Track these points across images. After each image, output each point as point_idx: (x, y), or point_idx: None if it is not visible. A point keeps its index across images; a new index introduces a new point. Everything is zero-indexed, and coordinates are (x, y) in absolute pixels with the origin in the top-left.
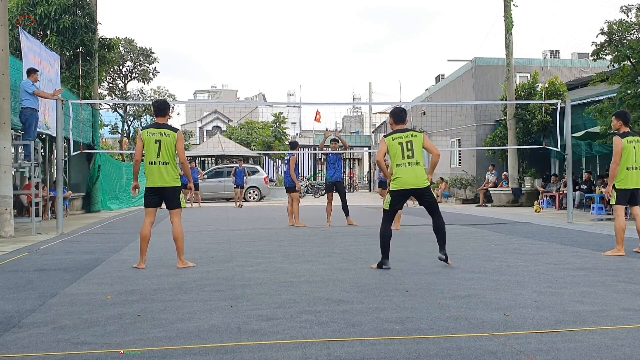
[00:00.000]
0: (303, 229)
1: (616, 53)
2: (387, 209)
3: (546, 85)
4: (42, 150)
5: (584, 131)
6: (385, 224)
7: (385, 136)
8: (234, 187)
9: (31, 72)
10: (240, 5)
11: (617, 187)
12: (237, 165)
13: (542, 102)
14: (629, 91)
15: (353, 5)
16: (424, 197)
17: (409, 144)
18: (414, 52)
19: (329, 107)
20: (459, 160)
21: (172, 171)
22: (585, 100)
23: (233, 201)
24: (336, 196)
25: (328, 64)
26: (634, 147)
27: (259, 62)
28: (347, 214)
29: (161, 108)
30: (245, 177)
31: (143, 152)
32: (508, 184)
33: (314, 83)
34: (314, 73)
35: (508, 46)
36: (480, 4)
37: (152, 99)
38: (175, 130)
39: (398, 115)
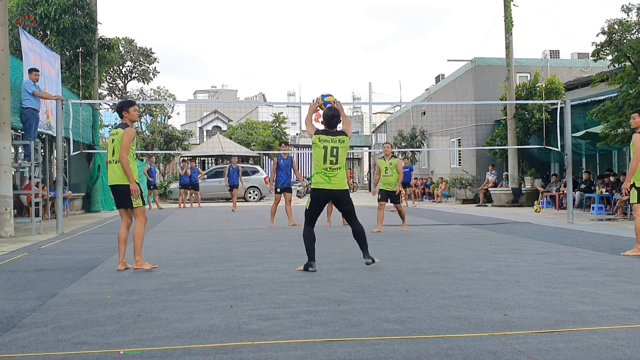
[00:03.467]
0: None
1: (616, 53)
2: (307, 208)
3: (544, 84)
4: (42, 150)
5: (584, 131)
6: (307, 227)
7: (316, 133)
8: (228, 190)
9: (31, 71)
10: (241, 6)
11: (637, 185)
12: (231, 164)
13: (542, 102)
14: (630, 91)
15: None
16: (341, 203)
17: (334, 150)
18: (414, 52)
19: None
20: (459, 160)
21: (120, 169)
22: (586, 100)
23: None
24: None
25: (328, 64)
26: None
27: (259, 62)
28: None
29: (117, 107)
30: (239, 177)
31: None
32: (508, 183)
33: (314, 83)
34: (314, 73)
35: (508, 46)
36: (480, 4)
37: (152, 99)
38: (124, 126)
39: (328, 121)
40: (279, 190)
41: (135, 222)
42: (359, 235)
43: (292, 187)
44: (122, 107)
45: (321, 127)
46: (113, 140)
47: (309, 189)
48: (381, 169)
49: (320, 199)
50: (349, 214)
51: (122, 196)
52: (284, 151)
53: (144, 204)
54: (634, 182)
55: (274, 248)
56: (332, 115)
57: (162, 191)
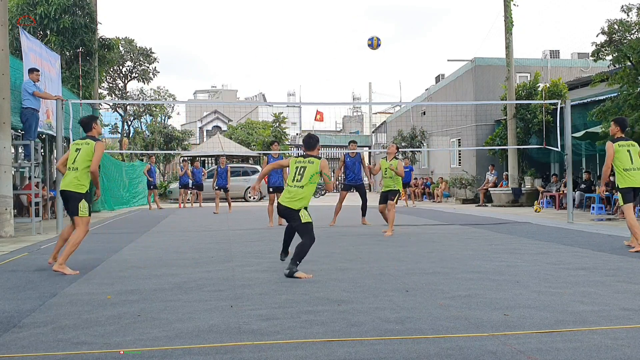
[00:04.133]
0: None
1: (616, 53)
2: None
3: (548, 85)
4: (42, 150)
5: (584, 131)
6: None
7: (294, 157)
8: (215, 189)
9: (31, 71)
10: (241, 6)
11: (620, 187)
12: (219, 164)
13: (542, 102)
14: (632, 91)
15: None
16: (292, 220)
17: (301, 170)
18: (414, 52)
19: (329, 107)
20: (459, 160)
21: (78, 178)
22: (586, 100)
23: (233, 200)
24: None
25: (328, 64)
26: (628, 151)
27: (259, 62)
28: (364, 214)
29: (85, 122)
30: (228, 177)
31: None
32: (508, 184)
33: (314, 83)
34: (314, 73)
35: (508, 46)
36: (480, 4)
37: (152, 99)
38: (94, 139)
39: (306, 142)
40: (271, 189)
41: (76, 230)
42: (299, 247)
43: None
44: (91, 121)
45: (322, 127)
46: (78, 149)
47: None
48: (382, 169)
49: (280, 210)
50: (298, 231)
51: (71, 202)
52: (275, 151)
53: (89, 215)
54: (617, 185)
55: (274, 248)
56: (308, 137)
57: (162, 191)
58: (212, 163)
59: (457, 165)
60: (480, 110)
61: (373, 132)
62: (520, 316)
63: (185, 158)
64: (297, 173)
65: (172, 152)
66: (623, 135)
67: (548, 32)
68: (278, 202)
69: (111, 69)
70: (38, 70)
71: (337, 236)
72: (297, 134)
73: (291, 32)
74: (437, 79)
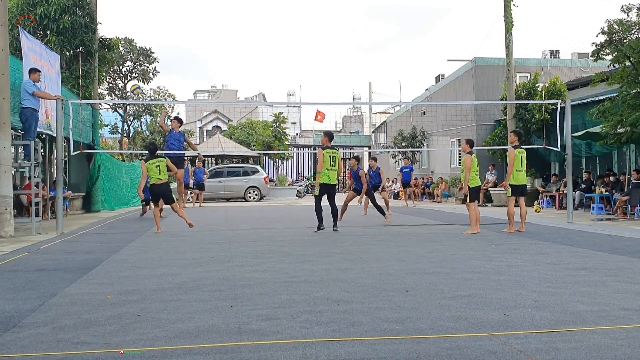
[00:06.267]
0: (303, 229)
1: (616, 53)
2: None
3: (547, 85)
4: (42, 150)
5: (584, 131)
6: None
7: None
8: (193, 187)
9: (32, 71)
10: (241, 6)
11: (511, 183)
12: (197, 165)
13: (542, 102)
14: (632, 91)
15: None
16: (333, 191)
17: (334, 157)
18: (414, 52)
19: (329, 107)
20: (459, 160)
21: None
22: (586, 100)
23: (233, 200)
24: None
25: (328, 64)
26: (521, 157)
27: (259, 62)
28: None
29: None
30: (204, 176)
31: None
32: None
33: (314, 83)
34: (314, 73)
35: (508, 46)
36: (480, 4)
37: (152, 99)
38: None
39: (331, 136)
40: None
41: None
42: (334, 212)
43: (292, 187)
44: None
45: (322, 127)
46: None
47: (311, 187)
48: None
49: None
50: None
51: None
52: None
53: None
54: (509, 182)
55: (274, 248)
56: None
57: None
58: (212, 163)
59: (457, 165)
60: (480, 110)
61: (373, 132)
62: (520, 316)
63: (186, 158)
64: (332, 160)
65: (172, 152)
66: (519, 144)
67: (548, 32)
68: (329, 184)
69: (111, 69)
70: (39, 71)
71: (337, 236)
72: (297, 134)
73: (291, 32)
74: (437, 79)
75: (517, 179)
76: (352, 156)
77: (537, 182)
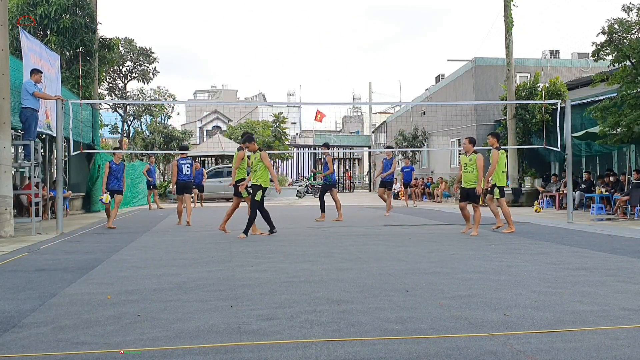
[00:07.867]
0: (304, 229)
1: (616, 53)
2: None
3: (547, 85)
4: (42, 150)
5: (584, 131)
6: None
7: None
8: (149, 189)
9: (34, 72)
10: (241, 6)
11: (498, 185)
12: (149, 162)
13: (542, 102)
14: (632, 91)
15: (361, 4)
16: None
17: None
18: (414, 52)
19: (329, 107)
20: (459, 160)
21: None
22: (586, 100)
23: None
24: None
25: (328, 64)
26: (505, 158)
27: (259, 62)
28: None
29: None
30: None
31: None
32: (508, 184)
33: (314, 83)
34: (314, 73)
35: (508, 46)
36: (480, 4)
37: (152, 99)
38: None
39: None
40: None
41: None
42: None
43: (292, 187)
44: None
45: (322, 126)
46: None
47: (310, 187)
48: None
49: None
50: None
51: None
52: (182, 151)
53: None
54: (495, 183)
55: (274, 248)
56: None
57: (162, 191)
58: (212, 163)
59: (457, 165)
60: (480, 110)
61: (373, 132)
62: (520, 316)
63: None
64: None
65: (172, 152)
66: (499, 145)
67: (548, 32)
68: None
69: (111, 69)
70: (41, 72)
71: (337, 236)
72: (297, 134)
73: (291, 32)
74: (437, 79)
75: (502, 179)
76: (384, 147)
77: (537, 182)
